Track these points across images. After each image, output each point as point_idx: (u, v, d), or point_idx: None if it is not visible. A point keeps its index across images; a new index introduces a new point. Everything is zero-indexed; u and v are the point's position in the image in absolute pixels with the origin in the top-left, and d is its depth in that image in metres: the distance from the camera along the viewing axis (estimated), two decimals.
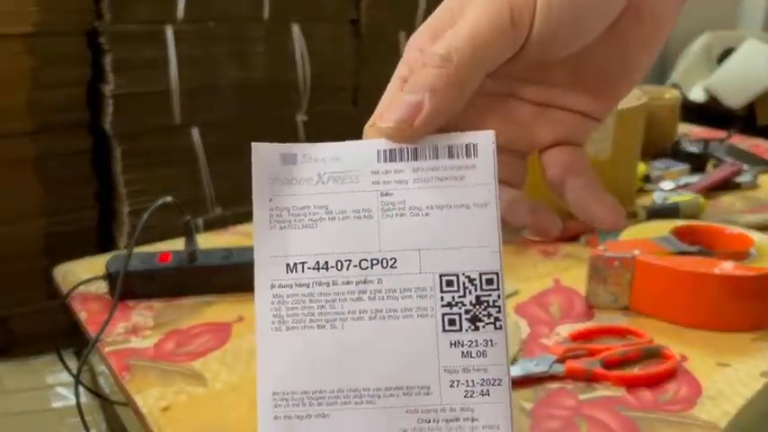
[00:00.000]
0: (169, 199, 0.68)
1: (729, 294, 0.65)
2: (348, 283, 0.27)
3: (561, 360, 0.59)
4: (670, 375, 0.59)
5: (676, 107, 1.18)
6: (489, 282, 0.27)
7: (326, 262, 0.27)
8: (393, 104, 0.27)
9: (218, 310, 0.70)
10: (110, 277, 0.70)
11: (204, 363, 0.62)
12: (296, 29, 1.58)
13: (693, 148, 1.11)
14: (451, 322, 0.27)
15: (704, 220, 0.86)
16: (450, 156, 0.28)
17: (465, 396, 0.26)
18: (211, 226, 1.19)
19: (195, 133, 1.50)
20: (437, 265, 0.27)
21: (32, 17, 1.32)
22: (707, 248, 0.70)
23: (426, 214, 0.27)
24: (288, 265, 0.27)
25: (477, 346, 0.27)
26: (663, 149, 1.12)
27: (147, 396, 0.57)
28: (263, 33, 1.54)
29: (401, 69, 0.30)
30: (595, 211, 0.29)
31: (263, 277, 0.27)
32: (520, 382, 0.58)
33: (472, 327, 0.27)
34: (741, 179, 1.05)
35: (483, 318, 0.27)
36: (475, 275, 0.27)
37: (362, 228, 0.27)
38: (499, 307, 0.27)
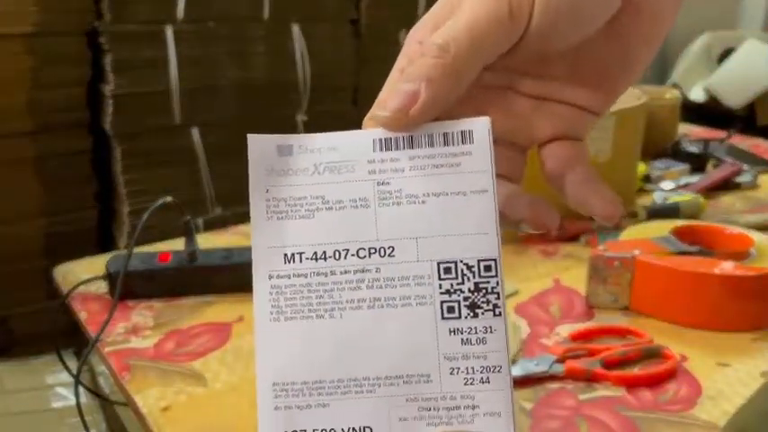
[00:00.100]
0: (169, 199, 0.68)
1: (729, 294, 0.65)
2: (346, 272, 0.27)
3: (561, 360, 0.59)
4: (670, 375, 0.59)
5: (676, 107, 1.18)
6: (488, 268, 0.27)
7: (324, 252, 0.27)
8: (390, 94, 0.28)
9: (218, 310, 0.70)
10: (110, 277, 0.70)
11: (204, 363, 0.62)
12: (296, 29, 1.58)
13: (693, 148, 1.11)
14: (450, 310, 0.27)
15: (704, 220, 0.86)
16: (446, 143, 0.28)
17: (465, 383, 0.26)
18: (211, 226, 1.19)
19: (195, 133, 1.50)
20: (435, 253, 0.27)
21: (32, 17, 1.32)
22: (707, 248, 0.70)
23: (423, 202, 0.27)
24: (285, 255, 0.27)
25: (476, 333, 0.27)
26: (663, 149, 1.12)
27: (147, 396, 0.57)
28: (263, 33, 1.54)
29: (401, 61, 0.30)
30: (593, 203, 0.29)
31: (260, 268, 0.27)
32: (520, 382, 0.57)
33: (471, 314, 0.27)
34: (741, 179, 1.05)
35: (482, 305, 0.27)
36: (473, 262, 0.27)
37: (360, 217, 0.27)
38: (498, 293, 0.27)
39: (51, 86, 1.37)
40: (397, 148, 0.28)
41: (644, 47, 0.29)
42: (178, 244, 0.75)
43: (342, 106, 1.66)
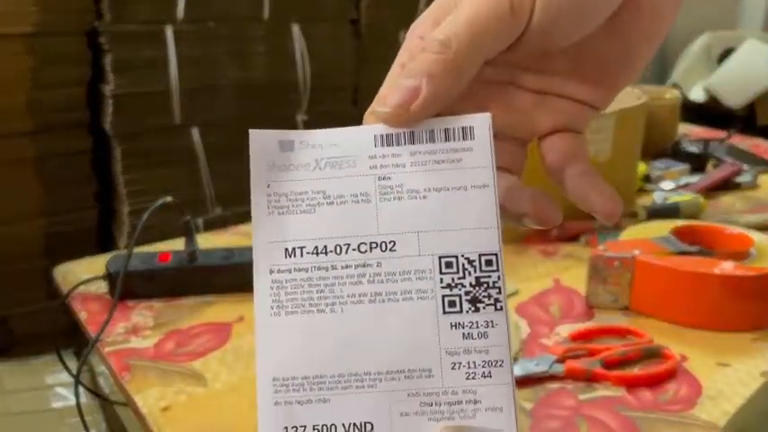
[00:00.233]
0: (169, 199, 0.68)
1: (729, 294, 0.65)
2: (347, 267, 0.27)
3: (561, 360, 0.59)
4: (670, 375, 0.59)
5: (676, 107, 1.18)
6: (489, 263, 0.27)
7: (325, 246, 0.27)
8: (391, 89, 0.28)
9: (218, 310, 0.70)
10: (110, 277, 0.70)
11: (204, 363, 0.62)
12: (296, 29, 1.58)
13: (693, 148, 1.11)
14: (452, 304, 0.27)
15: (704, 220, 0.86)
16: (447, 139, 0.28)
17: (467, 378, 0.26)
18: (211, 226, 1.19)
19: (195, 133, 1.50)
20: (436, 247, 0.27)
21: (32, 17, 1.32)
22: (707, 248, 0.70)
23: (424, 197, 0.27)
24: (286, 250, 0.27)
25: (477, 327, 0.27)
26: (663, 149, 1.12)
27: (147, 396, 0.57)
28: (263, 33, 1.54)
29: (402, 56, 0.30)
30: (593, 199, 0.29)
31: (261, 263, 0.27)
32: (520, 382, 0.57)
33: (473, 308, 0.27)
34: (741, 179, 1.05)
35: (483, 299, 0.27)
36: (474, 257, 0.27)
37: (361, 212, 0.27)
38: (499, 288, 0.27)
39: (51, 86, 1.37)
40: (398, 144, 0.28)
41: (645, 43, 0.29)
42: (178, 244, 0.75)
43: (342, 106, 1.66)
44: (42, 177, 1.41)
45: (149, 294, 0.72)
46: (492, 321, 0.27)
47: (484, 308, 0.27)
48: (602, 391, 0.57)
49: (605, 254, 0.68)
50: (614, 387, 0.57)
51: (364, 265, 0.27)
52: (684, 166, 1.08)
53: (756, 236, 0.72)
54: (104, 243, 1.51)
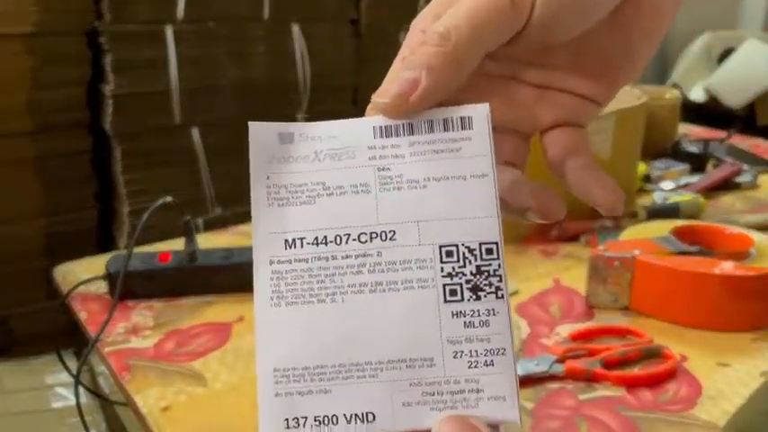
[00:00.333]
0: (169, 199, 0.68)
1: (729, 294, 0.65)
2: (347, 257, 0.27)
3: (561, 360, 0.59)
4: (670, 375, 0.59)
5: (676, 107, 1.18)
6: (489, 251, 0.27)
7: (325, 237, 0.27)
8: (391, 81, 0.28)
9: (218, 310, 0.70)
10: (110, 277, 0.70)
11: (204, 363, 0.62)
12: (296, 29, 1.58)
13: (693, 148, 1.11)
14: (453, 293, 0.27)
15: (704, 220, 0.86)
16: (446, 129, 0.28)
17: (469, 367, 0.26)
18: (211, 226, 1.19)
19: (195, 133, 1.50)
20: (436, 237, 0.27)
21: (32, 17, 1.32)
22: (707, 248, 0.70)
23: (424, 186, 0.27)
24: (286, 241, 0.27)
25: (479, 315, 0.26)
26: (663, 149, 1.12)
27: (147, 396, 0.57)
28: (263, 33, 1.54)
29: (404, 50, 0.30)
30: (595, 192, 0.29)
31: (261, 254, 0.27)
32: (520, 382, 0.57)
33: (474, 296, 0.27)
34: (741, 179, 1.05)
35: (484, 287, 0.27)
36: (474, 245, 0.27)
37: (360, 202, 0.27)
38: (500, 276, 0.27)
39: (51, 86, 1.37)
40: (397, 135, 0.28)
41: (645, 40, 0.29)
42: (178, 244, 0.75)
43: (342, 106, 1.66)
44: (42, 177, 1.41)
45: (149, 294, 0.72)
46: (493, 309, 0.26)
47: (485, 296, 0.27)
48: (602, 391, 0.57)
49: (605, 254, 0.68)
50: (614, 387, 0.57)
51: (364, 255, 0.27)
52: (684, 166, 1.08)
53: (756, 236, 0.72)
54: (104, 243, 1.51)
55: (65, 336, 0.95)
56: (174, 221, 0.73)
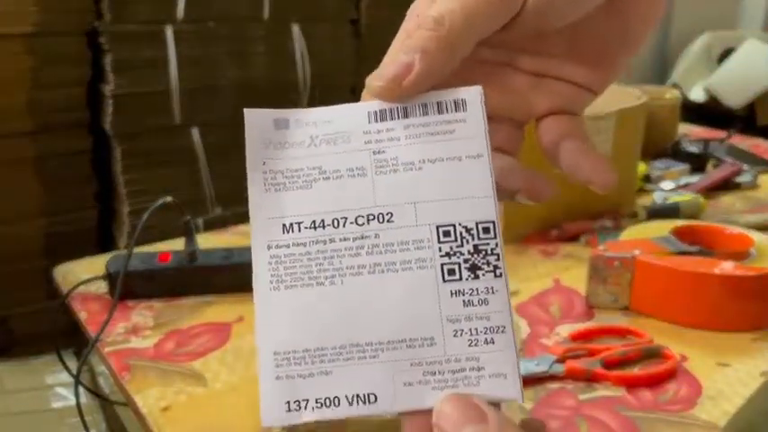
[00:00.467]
0: (169, 199, 0.68)
1: (729, 294, 0.65)
2: (345, 239, 0.27)
3: (561, 360, 0.59)
4: (670, 375, 0.59)
5: (676, 107, 1.18)
6: (486, 230, 0.27)
7: (323, 220, 0.27)
8: (385, 64, 0.28)
9: (218, 310, 0.70)
10: (110, 277, 0.70)
11: (204, 363, 0.62)
12: (296, 29, 1.58)
13: (693, 148, 1.11)
14: (451, 272, 0.27)
15: (704, 220, 0.86)
16: (440, 111, 0.28)
17: (469, 345, 0.26)
18: (211, 226, 1.19)
19: (195, 133, 1.51)
20: (433, 217, 0.27)
21: (32, 17, 1.32)
22: (707, 248, 0.70)
23: (420, 168, 0.27)
24: (284, 225, 0.27)
25: (478, 294, 0.26)
26: (663, 149, 1.12)
27: (147, 396, 0.57)
28: (263, 33, 1.54)
29: (400, 35, 0.30)
30: (588, 171, 0.29)
31: (259, 239, 0.27)
32: None
33: (472, 275, 0.27)
34: (741, 179, 1.05)
35: (482, 266, 0.27)
36: (471, 225, 0.27)
37: (357, 185, 0.28)
38: (498, 255, 0.27)
39: (51, 86, 1.37)
40: (391, 119, 0.28)
41: (642, 25, 0.29)
42: (178, 244, 0.75)
43: None
44: (42, 177, 1.41)
45: (149, 294, 0.72)
46: (492, 288, 0.27)
47: (483, 275, 0.27)
48: (602, 391, 0.57)
49: (605, 254, 0.68)
50: (614, 387, 0.57)
51: (362, 237, 0.27)
52: (684, 166, 1.07)
53: (756, 236, 0.72)
54: (104, 243, 1.51)
55: (65, 336, 0.95)
56: (174, 221, 0.73)
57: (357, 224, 0.27)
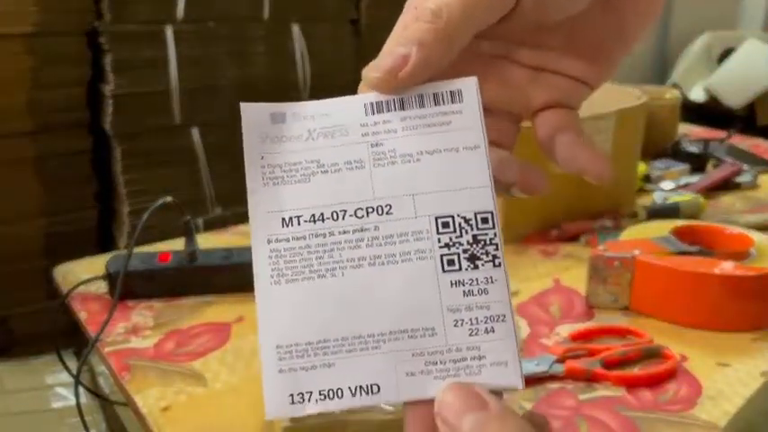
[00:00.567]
0: (169, 199, 0.68)
1: (729, 294, 0.65)
2: (345, 232, 0.27)
3: (561, 360, 0.59)
4: (670, 375, 0.59)
5: (676, 107, 1.18)
6: (485, 221, 0.27)
7: (322, 214, 0.27)
8: (382, 56, 0.28)
9: (218, 310, 0.70)
10: (110, 277, 0.70)
11: (204, 363, 0.62)
12: (296, 29, 1.58)
13: (693, 148, 1.11)
14: (450, 262, 0.27)
15: (704, 220, 0.86)
16: (437, 103, 0.28)
17: (470, 334, 0.26)
18: (211, 226, 1.19)
19: (195, 133, 1.50)
20: (432, 209, 0.27)
21: (32, 17, 1.32)
22: (707, 248, 0.70)
23: (417, 160, 0.28)
24: (283, 219, 0.27)
25: (477, 284, 0.27)
26: (663, 149, 1.12)
27: (147, 396, 0.57)
28: (263, 33, 1.54)
29: (398, 27, 0.30)
30: (583, 162, 0.29)
31: (259, 234, 0.27)
32: None
33: (471, 265, 0.27)
34: (741, 179, 1.05)
35: (481, 256, 0.27)
36: (470, 215, 0.27)
37: (355, 178, 0.28)
38: (497, 245, 0.27)
39: (51, 86, 1.37)
40: (388, 111, 0.28)
41: (638, 22, 0.29)
42: (178, 244, 0.75)
43: None
44: (42, 177, 1.41)
45: (149, 294, 0.72)
46: (491, 277, 0.27)
47: (482, 265, 0.27)
48: (602, 391, 0.57)
49: (605, 254, 0.68)
50: (614, 387, 0.57)
51: (362, 230, 0.27)
52: (684, 166, 1.07)
53: (756, 236, 0.72)
54: (104, 243, 1.51)
55: (65, 336, 0.95)
56: (174, 221, 0.73)
57: (356, 217, 0.27)
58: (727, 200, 1.00)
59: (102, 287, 0.73)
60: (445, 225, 0.27)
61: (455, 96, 0.28)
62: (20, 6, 1.31)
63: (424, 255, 0.27)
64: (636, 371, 0.59)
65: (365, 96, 0.28)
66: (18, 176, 1.38)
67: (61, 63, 1.37)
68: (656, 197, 0.96)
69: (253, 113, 0.29)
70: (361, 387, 0.26)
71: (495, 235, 0.27)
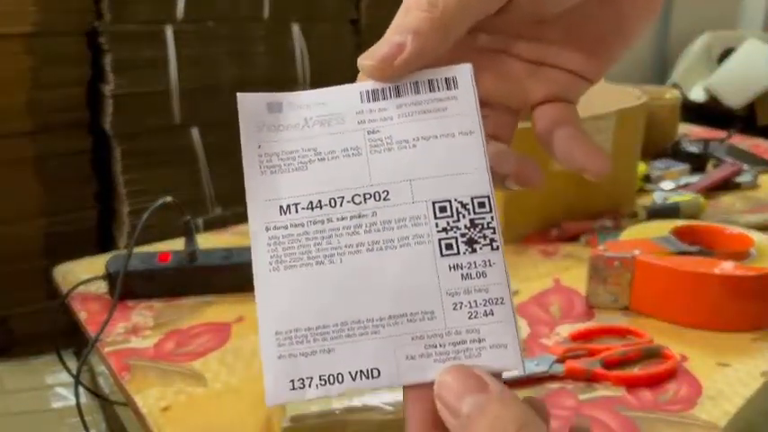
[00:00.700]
0: (169, 199, 0.68)
1: (729, 294, 0.65)
2: (343, 218, 0.27)
3: (561, 360, 0.59)
4: (670, 375, 0.59)
5: (676, 107, 1.18)
6: (481, 205, 0.27)
7: (320, 201, 0.27)
8: (379, 44, 0.28)
9: (218, 310, 0.70)
10: (110, 277, 0.70)
11: (204, 363, 0.62)
12: (296, 29, 1.58)
13: (693, 148, 1.11)
14: (448, 246, 0.27)
15: (704, 220, 0.86)
16: (432, 90, 0.28)
17: (469, 318, 0.26)
18: (211, 226, 1.19)
19: (195, 133, 1.50)
20: (429, 194, 0.27)
21: (32, 17, 1.32)
22: (707, 248, 0.70)
23: (414, 146, 0.28)
24: (281, 207, 0.28)
25: (475, 267, 0.27)
26: (663, 149, 1.12)
27: (146, 396, 0.57)
28: (263, 33, 1.54)
29: (400, 13, 0.30)
30: (580, 157, 0.29)
31: (257, 221, 0.28)
32: (520, 383, 0.58)
33: (469, 249, 0.27)
34: (741, 179, 1.05)
35: (479, 240, 0.27)
36: (467, 200, 0.27)
37: (352, 165, 0.28)
38: (494, 228, 0.27)
39: (51, 86, 1.37)
40: (384, 98, 0.28)
41: (638, 17, 0.29)
42: (178, 244, 0.75)
43: None
44: (42, 177, 1.41)
45: (149, 294, 0.72)
46: (489, 260, 0.27)
47: (480, 248, 0.27)
48: (602, 391, 0.57)
49: (605, 254, 0.68)
50: (614, 387, 0.57)
51: (360, 216, 0.27)
52: (684, 166, 1.07)
53: (756, 236, 0.72)
54: (104, 243, 1.51)
55: (65, 336, 0.96)
56: (174, 221, 0.73)
57: (354, 203, 0.27)
58: (727, 200, 1.00)
59: (102, 287, 0.73)
60: (442, 210, 0.27)
61: (450, 83, 0.28)
62: (19, 6, 1.31)
63: (422, 239, 0.27)
64: (636, 371, 0.59)
65: (361, 85, 0.29)
66: (18, 176, 1.38)
67: (61, 63, 1.37)
68: (656, 197, 0.96)
69: (249, 103, 0.29)
70: (361, 371, 0.26)
71: (492, 219, 0.27)
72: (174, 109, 1.46)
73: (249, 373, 0.60)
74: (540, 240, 0.84)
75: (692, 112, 2.03)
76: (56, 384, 1.18)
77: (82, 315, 0.70)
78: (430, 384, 0.26)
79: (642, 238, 0.72)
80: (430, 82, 0.28)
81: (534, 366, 0.58)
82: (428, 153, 0.28)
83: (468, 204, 0.27)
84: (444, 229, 0.27)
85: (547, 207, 0.84)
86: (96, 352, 0.65)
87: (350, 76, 0.29)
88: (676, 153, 1.11)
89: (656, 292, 0.67)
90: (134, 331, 0.66)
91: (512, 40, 0.30)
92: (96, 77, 1.42)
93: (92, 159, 1.46)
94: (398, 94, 0.28)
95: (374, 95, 0.28)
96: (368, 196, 0.27)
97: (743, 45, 2.66)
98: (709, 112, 2.34)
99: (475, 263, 0.27)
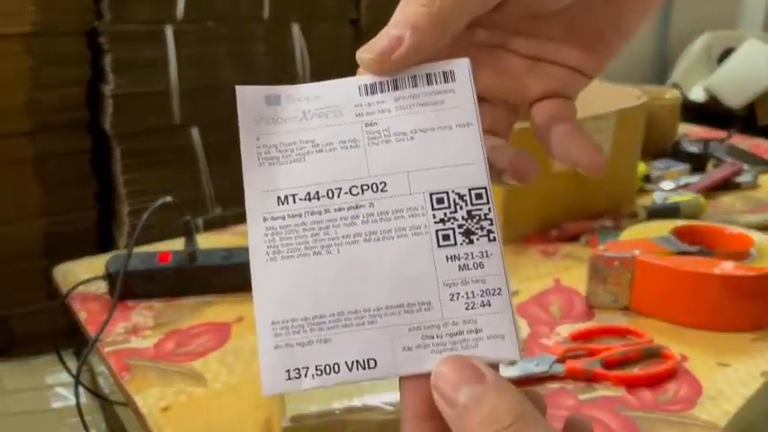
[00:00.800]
0: (169, 199, 0.68)
1: (729, 294, 0.65)
2: (340, 209, 0.27)
3: (561, 360, 0.59)
4: (670, 375, 0.59)
5: (676, 107, 1.18)
6: (479, 196, 0.27)
7: (317, 192, 0.28)
8: (377, 37, 0.28)
9: (218, 310, 0.70)
10: (109, 277, 0.70)
11: (204, 363, 0.62)
12: (296, 29, 1.58)
13: (693, 148, 1.11)
14: (446, 237, 0.27)
15: (704, 220, 0.86)
16: (429, 83, 0.28)
17: (466, 308, 0.26)
18: (211, 226, 1.19)
19: (195, 133, 1.50)
20: (426, 185, 0.27)
21: (32, 17, 1.32)
22: (707, 248, 0.70)
23: (411, 138, 0.28)
24: (279, 198, 0.28)
25: (473, 258, 0.27)
26: (663, 149, 1.12)
27: (146, 396, 0.57)
28: (263, 33, 1.54)
29: (396, 13, 0.30)
30: (575, 153, 0.30)
31: (255, 212, 0.28)
32: (520, 382, 0.57)
33: (466, 240, 0.27)
34: (741, 179, 1.05)
35: (476, 231, 0.27)
36: (464, 191, 0.27)
37: (350, 157, 0.28)
38: (491, 220, 0.27)
39: (51, 86, 1.37)
40: (381, 92, 0.28)
41: (637, 13, 0.30)
42: (178, 244, 0.75)
43: None
44: (42, 177, 1.41)
45: (149, 294, 0.72)
46: (486, 251, 0.27)
47: (477, 239, 0.27)
48: (602, 391, 0.57)
49: (605, 254, 0.68)
50: (614, 387, 0.57)
51: (357, 207, 0.27)
52: (684, 166, 1.08)
53: (756, 236, 0.72)
54: (104, 243, 1.51)
55: (65, 336, 0.95)
56: (173, 221, 0.73)
57: (351, 194, 0.27)
58: (728, 200, 1.00)
59: (101, 287, 0.73)
60: (440, 201, 0.27)
61: (448, 76, 0.28)
62: (19, 6, 1.31)
63: (419, 230, 0.27)
64: (636, 371, 0.59)
65: (359, 78, 0.29)
66: (18, 176, 1.38)
67: (61, 63, 1.37)
68: (656, 197, 0.96)
69: (248, 96, 0.29)
70: (357, 362, 0.26)
71: (489, 210, 0.27)
72: (174, 109, 1.46)
73: (249, 372, 0.60)
74: (540, 240, 0.84)
75: (692, 112, 2.03)
76: (56, 384, 1.18)
77: (82, 315, 0.70)
78: (427, 375, 0.26)
79: (642, 238, 0.72)
80: (428, 75, 0.28)
81: (534, 366, 0.58)
82: (425, 145, 0.28)
83: (465, 196, 0.27)
84: (441, 221, 0.27)
85: (547, 207, 0.84)
86: (96, 352, 0.65)
87: (350, 75, 0.29)
88: (676, 153, 1.11)
89: (656, 292, 0.67)
90: (134, 331, 0.66)
91: (510, 36, 0.31)
92: (96, 77, 1.42)
93: (92, 159, 1.46)
94: (396, 88, 0.28)
95: (372, 89, 0.29)
96: (365, 187, 0.27)
97: (743, 45, 2.66)
98: (710, 112, 2.34)
99: (472, 254, 0.27)
